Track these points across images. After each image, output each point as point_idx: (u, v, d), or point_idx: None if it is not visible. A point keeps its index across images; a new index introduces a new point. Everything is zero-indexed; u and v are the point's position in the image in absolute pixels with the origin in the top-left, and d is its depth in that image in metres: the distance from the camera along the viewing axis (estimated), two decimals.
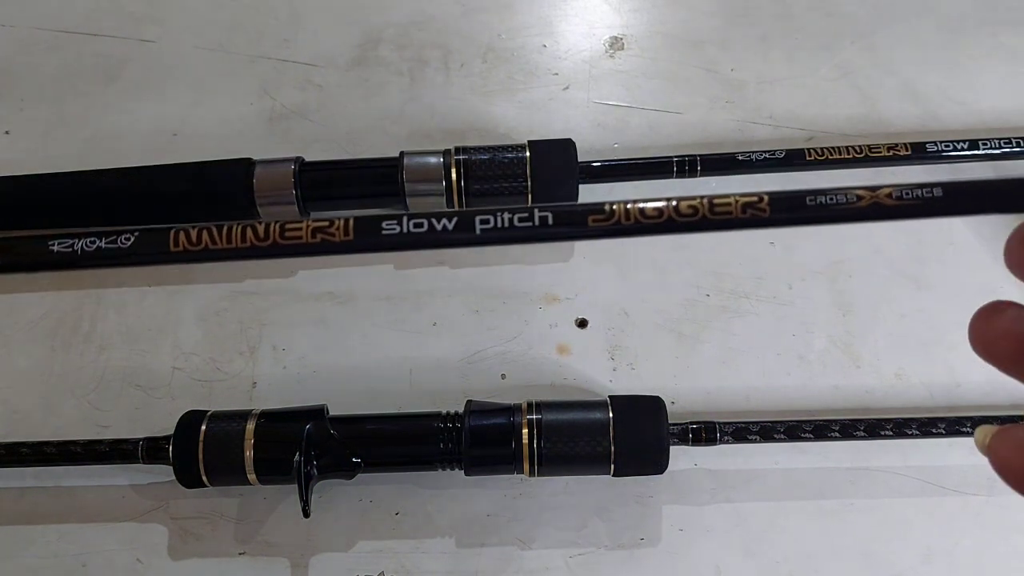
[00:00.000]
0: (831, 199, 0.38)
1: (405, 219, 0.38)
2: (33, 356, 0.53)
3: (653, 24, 0.66)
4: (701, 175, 0.55)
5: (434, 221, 0.37)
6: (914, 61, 0.63)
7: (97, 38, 0.66)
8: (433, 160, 0.54)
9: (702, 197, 0.38)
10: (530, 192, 0.54)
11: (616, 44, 0.65)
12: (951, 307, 0.53)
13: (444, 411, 0.46)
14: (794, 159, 0.55)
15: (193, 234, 0.38)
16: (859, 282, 0.54)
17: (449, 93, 0.63)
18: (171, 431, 0.45)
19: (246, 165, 0.54)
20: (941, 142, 0.55)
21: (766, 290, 0.54)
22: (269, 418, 0.45)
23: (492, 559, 0.46)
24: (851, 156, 0.55)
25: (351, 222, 0.38)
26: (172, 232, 0.38)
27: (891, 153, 0.55)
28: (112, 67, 0.64)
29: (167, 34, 0.66)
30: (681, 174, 0.55)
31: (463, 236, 0.37)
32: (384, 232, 0.37)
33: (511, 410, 0.45)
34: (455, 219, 0.37)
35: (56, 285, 0.54)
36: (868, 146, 0.55)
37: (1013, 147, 0.55)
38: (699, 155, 0.55)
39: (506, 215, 0.37)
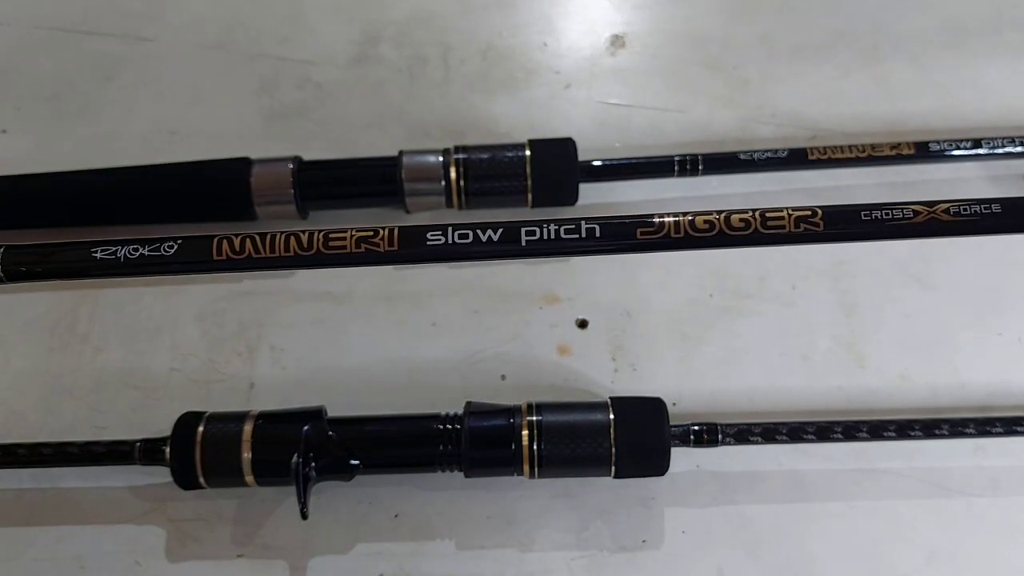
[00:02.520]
0: (886, 214, 0.37)
1: (450, 230, 0.37)
2: (30, 357, 0.52)
3: (655, 22, 0.66)
4: (703, 174, 0.55)
5: (479, 232, 0.36)
6: (918, 59, 0.63)
7: (95, 36, 0.65)
8: (432, 159, 0.54)
9: (754, 210, 0.37)
10: (530, 191, 0.53)
11: (618, 42, 0.65)
12: (956, 308, 0.52)
13: (443, 412, 0.46)
14: (797, 158, 0.54)
15: (236, 242, 0.37)
16: (863, 282, 0.53)
17: (449, 91, 0.62)
18: (169, 432, 0.45)
19: (244, 164, 0.54)
20: (945, 141, 0.55)
21: (769, 290, 0.53)
22: (267, 419, 0.45)
23: (492, 562, 0.46)
24: (854, 155, 0.54)
25: (396, 232, 0.37)
26: (215, 240, 0.38)
27: (894, 152, 0.54)
28: (110, 66, 0.64)
29: (165, 32, 0.65)
30: (683, 173, 0.55)
31: (509, 248, 0.37)
32: (429, 242, 0.37)
33: (511, 411, 0.45)
34: (500, 231, 0.37)
35: (53, 285, 0.54)
36: (871, 145, 0.55)
37: (1017, 146, 0.55)
38: (701, 154, 0.54)
39: (552, 227, 0.36)
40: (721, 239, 0.37)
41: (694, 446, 0.46)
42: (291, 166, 0.54)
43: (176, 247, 0.38)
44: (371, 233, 0.38)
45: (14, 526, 0.47)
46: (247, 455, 0.44)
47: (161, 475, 0.46)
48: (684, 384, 0.50)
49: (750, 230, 0.37)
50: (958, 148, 0.55)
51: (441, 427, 0.45)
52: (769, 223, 0.37)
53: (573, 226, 0.37)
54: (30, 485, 0.48)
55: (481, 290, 0.54)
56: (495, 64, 0.64)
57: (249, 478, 0.44)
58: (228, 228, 0.54)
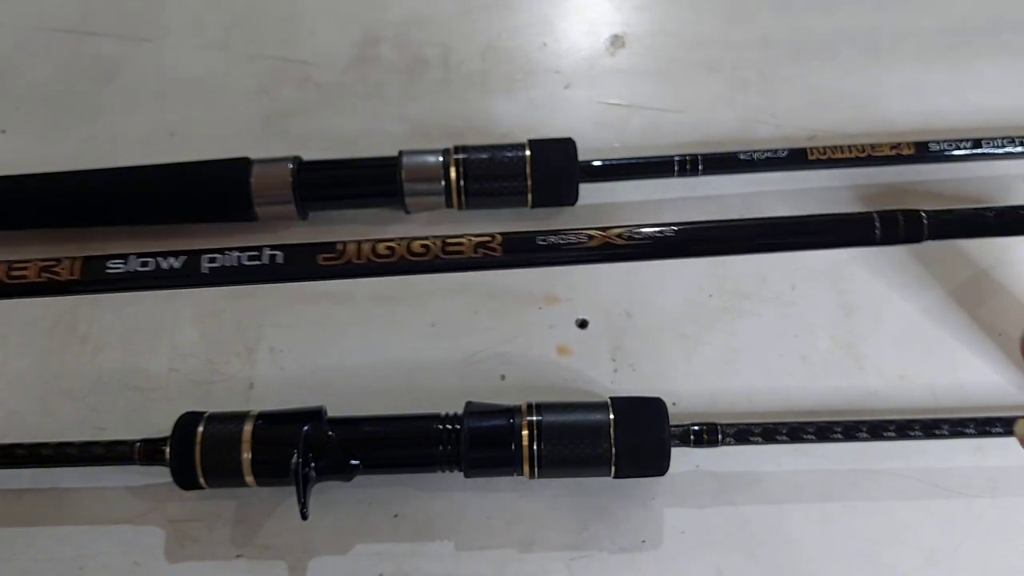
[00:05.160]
0: (563, 239, 0.39)
1: (132, 258, 0.37)
2: (29, 358, 0.52)
3: (654, 22, 0.66)
4: (703, 174, 0.55)
5: (160, 260, 0.37)
6: (917, 59, 0.63)
7: (95, 37, 0.65)
8: (432, 159, 0.54)
9: (436, 237, 0.38)
10: (530, 192, 0.53)
11: (617, 42, 0.65)
12: (955, 308, 0.52)
13: (443, 413, 0.46)
14: (796, 158, 0.54)
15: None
16: (862, 282, 0.53)
17: (448, 92, 0.62)
18: (168, 433, 0.45)
19: (244, 164, 0.54)
20: (944, 141, 0.55)
21: (769, 290, 0.53)
22: (267, 420, 0.45)
23: (492, 562, 0.46)
24: (853, 155, 0.54)
25: (78, 263, 0.38)
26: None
27: (894, 152, 0.54)
28: (110, 66, 0.64)
29: (165, 33, 0.65)
30: (683, 173, 0.54)
31: (189, 277, 0.37)
32: (109, 270, 0.37)
33: (511, 411, 0.45)
34: (183, 259, 0.37)
35: None
36: (871, 145, 0.55)
37: (1017, 146, 0.55)
38: (700, 154, 0.54)
39: (235, 254, 0.37)
40: (402, 266, 0.38)
41: (694, 446, 0.45)
42: (291, 166, 0.54)
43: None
44: (53, 262, 0.38)
45: (14, 526, 0.47)
46: (247, 455, 0.44)
47: (161, 475, 0.46)
48: (684, 384, 0.50)
49: (429, 255, 0.38)
50: (958, 148, 0.55)
51: (441, 427, 0.45)
52: (449, 248, 0.38)
53: (256, 252, 0.38)
54: (30, 485, 0.48)
55: (481, 290, 0.54)
56: (495, 65, 0.64)
57: (249, 478, 0.44)
58: (228, 228, 0.56)
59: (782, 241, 0.41)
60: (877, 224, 0.39)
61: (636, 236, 0.38)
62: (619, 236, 0.38)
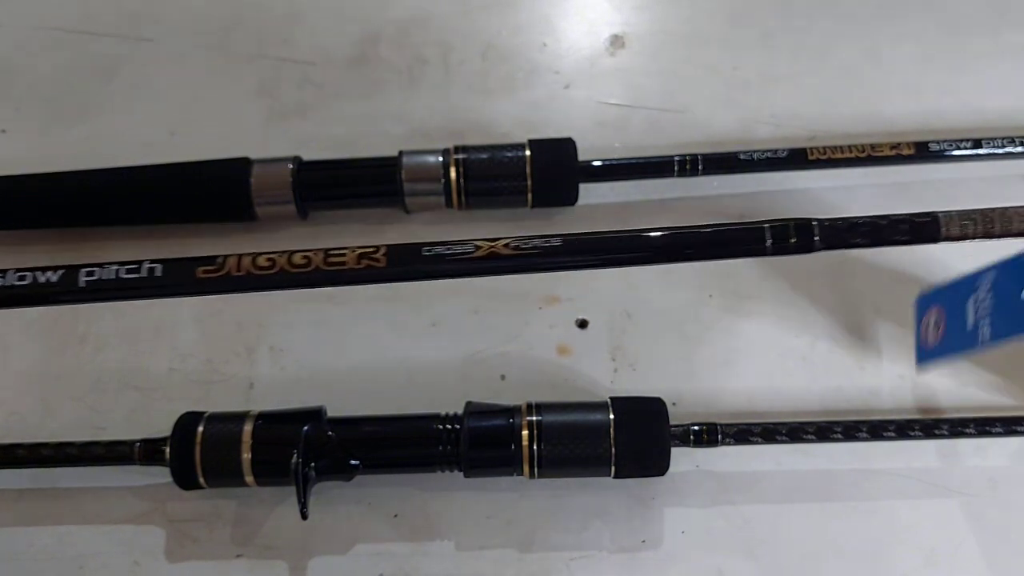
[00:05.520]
0: (448, 250, 0.38)
1: (10, 273, 0.37)
2: (29, 357, 0.52)
3: (654, 22, 0.66)
4: (703, 175, 0.55)
5: (38, 275, 0.37)
6: (917, 59, 0.63)
7: (94, 37, 0.65)
8: (432, 159, 0.54)
9: (318, 249, 0.38)
10: (530, 192, 0.53)
11: (617, 42, 0.65)
12: None
13: (443, 412, 0.46)
14: (797, 158, 0.54)
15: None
16: (862, 282, 0.53)
17: (449, 92, 0.62)
18: (168, 433, 0.45)
19: (244, 164, 0.54)
20: (944, 141, 0.55)
21: (769, 290, 0.53)
22: (267, 419, 0.45)
23: (492, 562, 0.46)
24: (854, 155, 0.54)
25: None
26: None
27: (894, 152, 0.54)
28: (109, 66, 0.64)
29: (165, 32, 0.65)
30: (683, 173, 0.54)
31: (67, 293, 0.37)
32: None
33: (511, 411, 0.45)
34: (60, 272, 0.37)
35: None
36: (871, 145, 0.55)
37: (1017, 146, 0.55)
38: (701, 154, 0.54)
39: (114, 267, 0.36)
40: (284, 279, 0.37)
41: (694, 446, 0.45)
42: (291, 166, 0.54)
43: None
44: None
45: (14, 526, 0.47)
46: (247, 455, 0.44)
47: (161, 475, 0.46)
48: (684, 384, 0.50)
49: (311, 268, 0.37)
50: (958, 148, 0.55)
51: (441, 427, 0.45)
52: (331, 260, 0.37)
53: (135, 266, 0.37)
54: (30, 485, 0.48)
55: (481, 290, 0.54)
56: (495, 64, 0.64)
57: (249, 478, 0.44)
58: (228, 229, 0.56)
59: (671, 253, 0.40)
60: (768, 235, 0.39)
61: (523, 247, 0.38)
62: (505, 246, 0.38)
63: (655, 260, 0.40)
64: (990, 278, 0.42)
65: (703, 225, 0.41)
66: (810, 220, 0.39)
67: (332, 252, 0.38)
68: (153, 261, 0.37)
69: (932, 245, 0.39)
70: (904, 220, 0.39)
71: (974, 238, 0.39)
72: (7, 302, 0.37)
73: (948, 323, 0.44)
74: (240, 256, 0.37)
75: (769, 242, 0.39)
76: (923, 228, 0.39)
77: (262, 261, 0.37)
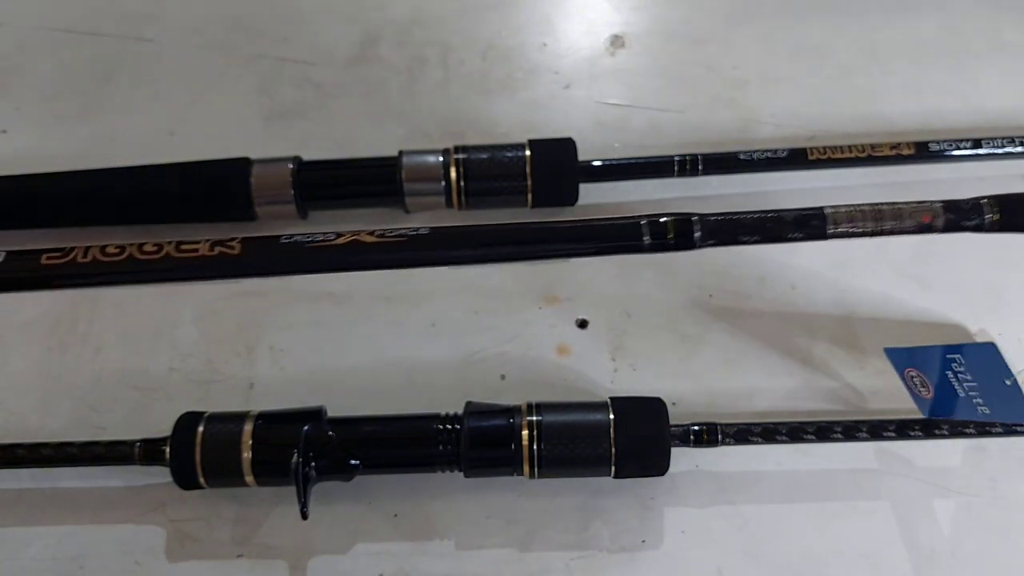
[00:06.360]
0: (306, 238, 0.37)
1: None
2: (29, 357, 0.52)
3: (654, 22, 0.66)
4: (703, 174, 0.55)
5: None
6: (917, 59, 0.63)
7: (95, 37, 0.65)
8: (432, 159, 0.54)
9: (168, 241, 0.37)
10: (530, 192, 0.53)
11: (617, 42, 0.65)
12: (954, 307, 0.52)
13: (443, 412, 0.46)
14: (797, 158, 0.54)
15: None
16: (862, 282, 0.53)
17: (449, 91, 0.62)
18: (168, 432, 0.45)
19: (244, 164, 0.54)
20: (944, 141, 0.55)
21: (769, 290, 0.53)
22: (267, 419, 0.45)
23: (492, 562, 0.46)
24: (853, 155, 0.54)
25: None
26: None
27: (894, 152, 0.54)
28: (110, 66, 0.64)
29: (165, 33, 0.65)
30: (683, 173, 0.55)
31: None
32: None
33: (511, 411, 0.45)
34: None
35: None
36: (871, 145, 0.55)
37: (1017, 146, 0.55)
38: (700, 154, 0.54)
39: None
40: (132, 266, 0.36)
41: (694, 446, 0.45)
42: (291, 166, 0.54)
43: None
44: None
45: (14, 526, 0.47)
46: (247, 455, 0.44)
47: (161, 475, 0.46)
48: (684, 384, 0.50)
49: (160, 255, 0.36)
50: (958, 148, 0.55)
51: (441, 427, 0.45)
52: (183, 248, 0.36)
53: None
54: (30, 485, 0.48)
55: (481, 290, 0.54)
56: (495, 64, 0.64)
57: (249, 478, 0.44)
58: (228, 228, 0.55)
59: (545, 248, 0.39)
60: (645, 231, 0.38)
61: (388, 235, 0.37)
62: (370, 234, 0.37)
63: (526, 256, 0.39)
64: (960, 360, 0.41)
65: (584, 219, 0.40)
66: (689, 216, 0.38)
67: (184, 242, 0.37)
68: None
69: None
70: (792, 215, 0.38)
71: (863, 236, 0.37)
72: None
73: (935, 389, 0.44)
74: (88, 247, 0.37)
75: (646, 239, 0.38)
76: (809, 222, 0.38)
77: (111, 249, 0.36)
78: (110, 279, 0.37)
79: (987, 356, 0.40)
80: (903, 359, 0.45)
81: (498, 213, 0.56)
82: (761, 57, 0.63)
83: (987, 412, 0.42)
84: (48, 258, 0.36)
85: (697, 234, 0.38)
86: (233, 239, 0.36)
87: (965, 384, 0.42)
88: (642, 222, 0.38)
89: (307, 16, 0.66)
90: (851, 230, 0.38)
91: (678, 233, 0.38)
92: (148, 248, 0.36)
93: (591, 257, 0.40)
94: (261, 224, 0.55)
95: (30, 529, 0.47)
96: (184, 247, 0.36)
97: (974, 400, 0.42)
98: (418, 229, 0.37)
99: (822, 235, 0.38)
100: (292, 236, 0.36)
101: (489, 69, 0.63)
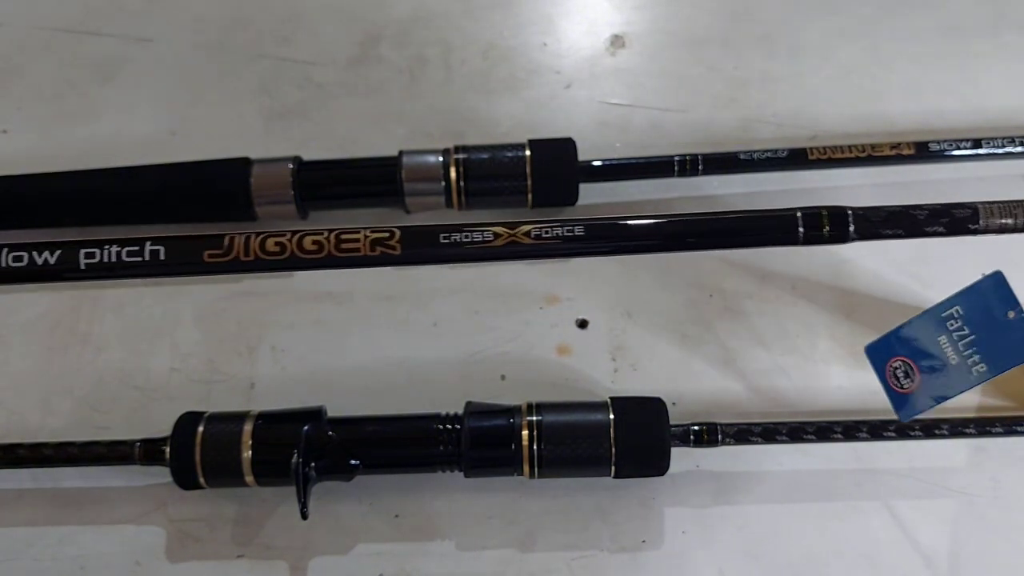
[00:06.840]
0: (466, 236, 0.37)
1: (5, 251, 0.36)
2: (30, 357, 0.52)
3: (655, 22, 0.66)
4: (703, 174, 0.55)
5: (35, 254, 0.36)
6: (917, 59, 0.63)
7: (95, 37, 0.65)
8: (432, 159, 0.54)
9: (329, 230, 0.36)
10: (530, 192, 0.53)
11: (618, 42, 0.65)
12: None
13: (443, 412, 0.46)
14: (797, 158, 0.54)
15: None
16: (863, 282, 0.53)
17: (449, 91, 0.62)
18: (169, 432, 0.45)
19: (244, 164, 0.54)
20: (945, 141, 0.55)
21: (769, 290, 0.53)
22: (267, 419, 0.45)
23: (492, 562, 0.46)
24: (854, 155, 0.54)
25: None
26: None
27: (894, 152, 0.54)
28: (110, 66, 0.64)
29: (166, 32, 0.65)
30: (683, 173, 0.54)
31: (67, 269, 0.36)
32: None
33: (511, 411, 0.45)
34: (57, 252, 0.36)
35: (53, 285, 0.54)
36: (871, 145, 0.55)
37: (1017, 146, 0.55)
38: (701, 154, 0.54)
39: (114, 248, 0.35)
40: (294, 262, 0.36)
41: (694, 446, 0.46)
42: (291, 166, 0.54)
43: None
44: None
45: (14, 526, 0.47)
46: (247, 455, 0.44)
47: (161, 475, 0.46)
48: (684, 384, 0.50)
49: (323, 253, 0.36)
50: (958, 148, 0.55)
51: (441, 427, 0.45)
52: (343, 246, 0.36)
53: (137, 247, 0.37)
54: (31, 485, 0.48)
55: (481, 290, 0.54)
56: (496, 64, 0.64)
57: (249, 478, 0.44)
58: (228, 228, 0.55)
59: (699, 240, 0.39)
60: (800, 223, 0.38)
61: (544, 235, 0.37)
62: (526, 235, 0.37)
63: (677, 247, 0.40)
64: (957, 312, 0.41)
65: (729, 212, 0.40)
66: (846, 209, 0.38)
67: (345, 236, 0.36)
68: (155, 241, 0.37)
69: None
70: (944, 212, 0.38)
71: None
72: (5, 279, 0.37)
73: (922, 369, 0.43)
74: (248, 237, 0.36)
75: (801, 231, 0.38)
76: (962, 222, 0.38)
77: (270, 246, 0.36)
78: (265, 269, 0.37)
79: (990, 291, 0.39)
80: (886, 349, 0.44)
81: (498, 213, 0.56)
82: (761, 57, 0.63)
83: (983, 370, 0.40)
84: (210, 255, 0.36)
85: (851, 227, 0.38)
86: (393, 235, 0.36)
87: (960, 344, 0.41)
88: (797, 214, 0.38)
89: (308, 16, 0.66)
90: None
91: (833, 225, 0.38)
92: (308, 245, 0.36)
93: (736, 249, 0.41)
94: (261, 224, 0.55)
95: (31, 529, 0.47)
96: (345, 244, 0.36)
97: (969, 360, 0.41)
98: (572, 229, 0.37)
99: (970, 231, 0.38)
100: (451, 235, 0.36)
101: (490, 69, 0.63)
